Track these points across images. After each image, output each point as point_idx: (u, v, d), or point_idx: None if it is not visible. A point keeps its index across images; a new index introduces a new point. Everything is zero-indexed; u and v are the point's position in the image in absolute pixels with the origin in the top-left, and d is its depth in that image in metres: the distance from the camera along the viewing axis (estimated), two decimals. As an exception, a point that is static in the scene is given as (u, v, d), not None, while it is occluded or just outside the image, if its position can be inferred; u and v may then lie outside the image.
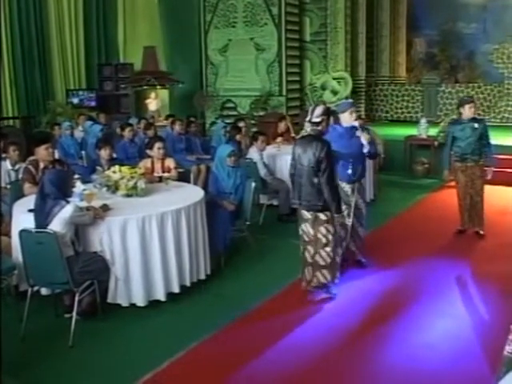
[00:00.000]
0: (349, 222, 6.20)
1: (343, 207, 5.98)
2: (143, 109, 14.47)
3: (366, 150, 6.22)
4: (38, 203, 4.86)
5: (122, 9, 15.51)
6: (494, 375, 3.91)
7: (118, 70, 14.90)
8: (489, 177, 7.35)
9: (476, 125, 7.22)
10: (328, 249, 5.51)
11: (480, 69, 16.73)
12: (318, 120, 5.41)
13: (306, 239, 5.61)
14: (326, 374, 4.27)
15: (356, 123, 6.21)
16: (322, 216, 5.47)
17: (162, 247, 5.22)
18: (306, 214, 5.54)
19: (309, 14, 14.68)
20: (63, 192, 4.90)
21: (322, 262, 5.55)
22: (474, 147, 7.24)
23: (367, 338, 4.79)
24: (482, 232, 7.48)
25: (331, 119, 6.19)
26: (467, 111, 7.25)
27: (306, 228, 5.58)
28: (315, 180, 5.37)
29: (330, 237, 5.50)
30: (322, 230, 5.50)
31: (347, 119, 6.18)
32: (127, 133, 9.38)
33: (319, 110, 5.47)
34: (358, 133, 6.19)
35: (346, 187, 6.19)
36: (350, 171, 6.15)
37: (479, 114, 15.45)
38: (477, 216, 7.47)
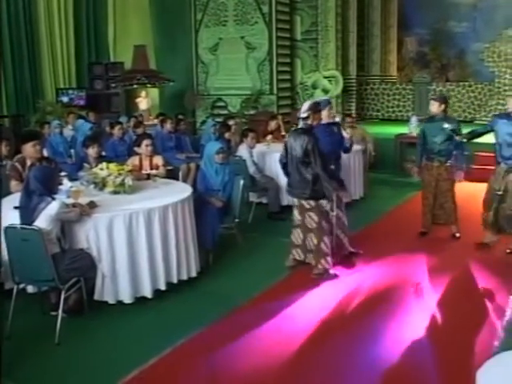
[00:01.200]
0: (333, 215, 6.36)
1: (324, 202, 6.22)
2: (134, 108, 14.43)
3: (348, 145, 6.58)
4: (24, 200, 4.82)
5: (112, 7, 15.42)
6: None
7: (108, 69, 14.80)
8: (457, 179, 7.10)
9: (446, 125, 6.95)
10: (312, 234, 6.01)
11: (471, 67, 16.79)
12: (305, 115, 5.87)
13: (294, 223, 6.16)
14: (311, 368, 4.26)
15: (337, 119, 6.43)
16: (305, 204, 5.97)
17: (149, 244, 5.19)
18: (295, 201, 6.10)
19: (300, 12, 14.68)
20: (49, 188, 4.86)
21: (308, 247, 6.09)
22: (441, 147, 7.05)
23: (353, 332, 4.80)
24: (457, 235, 7.33)
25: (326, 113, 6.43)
26: (430, 107, 7.18)
27: (296, 213, 6.12)
28: (302, 170, 5.85)
29: (314, 225, 5.96)
30: (307, 217, 5.99)
31: (325, 116, 6.34)
32: (117, 131, 9.36)
33: (305, 105, 5.95)
34: (335, 128, 6.44)
35: None
36: (333, 167, 6.33)
37: (469, 113, 15.68)
38: (448, 216, 7.31)
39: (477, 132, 7.08)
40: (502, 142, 6.59)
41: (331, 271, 6.02)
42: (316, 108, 5.95)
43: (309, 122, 5.87)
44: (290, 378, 4.20)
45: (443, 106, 7.09)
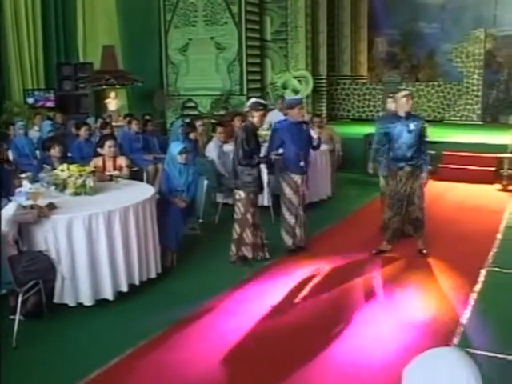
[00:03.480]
0: (301, 211, 6.63)
1: (294, 197, 6.54)
2: (103, 108, 14.30)
3: (315, 143, 6.71)
4: (-21, 202, 4.75)
5: (81, 7, 15.27)
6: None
7: (77, 70, 14.67)
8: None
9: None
10: (236, 224, 6.33)
11: (440, 68, 16.98)
12: (245, 110, 6.41)
13: None
14: (274, 370, 4.25)
15: (306, 118, 6.55)
16: (236, 195, 6.29)
17: (110, 245, 5.15)
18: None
19: (269, 12, 14.70)
20: (5, 190, 4.81)
21: (233, 236, 6.40)
22: None
23: (315, 333, 4.80)
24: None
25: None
26: (388, 106, 7.33)
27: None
28: (235, 161, 6.20)
29: (239, 215, 6.28)
30: (235, 207, 6.33)
31: (295, 115, 6.52)
32: (83, 132, 9.24)
33: (248, 102, 6.40)
34: (305, 127, 6.61)
35: (295, 178, 6.57)
36: (302, 163, 6.52)
37: (439, 113, 15.84)
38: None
39: (384, 147, 6.65)
40: (400, 144, 6.33)
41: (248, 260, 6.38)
42: (255, 107, 6.19)
43: (249, 118, 6.22)
44: (252, 376, 4.19)
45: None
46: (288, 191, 6.58)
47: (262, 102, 6.43)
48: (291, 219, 6.64)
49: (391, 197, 6.54)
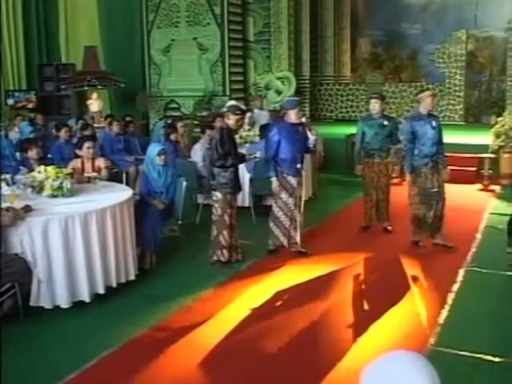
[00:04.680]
0: (296, 212, 6.58)
1: (290, 199, 6.50)
2: (85, 110, 14.22)
3: (311, 145, 6.70)
4: (-46, 204, 4.71)
5: (63, 7, 15.17)
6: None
7: (59, 71, 14.58)
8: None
9: (385, 122, 7.25)
10: (213, 226, 6.30)
11: (423, 68, 17.05)
12: (221, 111, 6.29)
13: None
14: (253, 373, 4.26)
15: (303, 120, 6.58)
16: (213, 196, 6.27)
17: (86, 247, 5.11)
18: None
19: (252, 13, 14.66)
20: (-20, 193, 4.76)
21: (211, 237, 6.36)
22: (382, 144, 7.27)
23: (294, 335, 4.80)
24: (389, 228, 7.55)
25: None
26: (371, 106, 7.38)
27: None
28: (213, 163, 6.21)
29: (216, 217, 6.26)
30: (213, 209, 6.29)
31: (293, 117, 6.44)
32: (63, 133, 9.18)
33: (226, 104, 6.42)
34: (301, 128, 6.53)
35: (291, 180, 6.51)
36: (299, 165, 6.52)
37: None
38: (382, 213, 7.56)
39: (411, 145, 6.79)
40: (425, 141, 6.65)
41: (225, 262, 6.32)
42: (232, 110, 6.19)
43: (225, 119, 6.24)
44: (231, 378, 4.18)
45: (384, 104, 7.43)
46: (283, 193, 6.51)
47: (241, 106, 6.43)
48: (286, 221, 6.59)
49: (421, 193, 6.76)
